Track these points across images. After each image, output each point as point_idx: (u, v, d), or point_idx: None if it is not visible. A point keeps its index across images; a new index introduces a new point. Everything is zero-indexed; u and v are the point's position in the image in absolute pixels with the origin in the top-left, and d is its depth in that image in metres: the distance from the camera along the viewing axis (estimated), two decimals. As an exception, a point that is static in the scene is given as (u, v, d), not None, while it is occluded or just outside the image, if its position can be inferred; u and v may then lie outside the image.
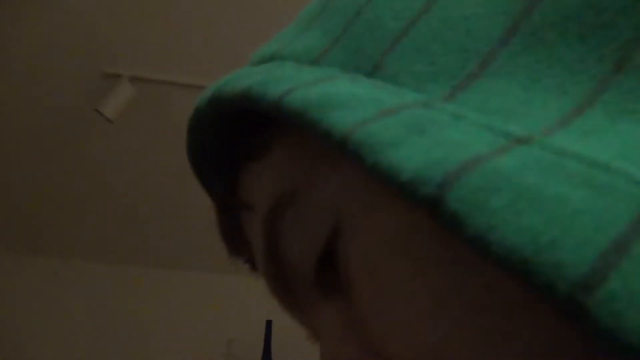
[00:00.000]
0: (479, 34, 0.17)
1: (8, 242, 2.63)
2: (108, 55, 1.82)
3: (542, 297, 0.12)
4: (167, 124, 2.03)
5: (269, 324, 2.27)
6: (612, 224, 0.12)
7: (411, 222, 0.17)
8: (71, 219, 2.50)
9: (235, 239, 0.26)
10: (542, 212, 0.13)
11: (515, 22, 0.17)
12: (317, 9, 0.22)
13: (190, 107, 1.93)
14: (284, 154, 0.21)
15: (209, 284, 2.72)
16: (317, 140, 0.20)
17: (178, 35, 1.76)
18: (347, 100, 0.17)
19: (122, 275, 2.70)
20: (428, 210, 0.14)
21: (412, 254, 0.17)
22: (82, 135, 2.10)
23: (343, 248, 0.19)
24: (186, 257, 2.66)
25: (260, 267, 0.23)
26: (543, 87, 0.16)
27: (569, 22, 0.16)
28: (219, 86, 0.21)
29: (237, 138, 0.23)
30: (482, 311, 0.16)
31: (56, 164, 2.24)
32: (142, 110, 1.96)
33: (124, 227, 2.53)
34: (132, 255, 2.67)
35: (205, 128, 0.23)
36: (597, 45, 0.16)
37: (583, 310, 0.11)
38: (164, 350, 2.45)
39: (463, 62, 0.17)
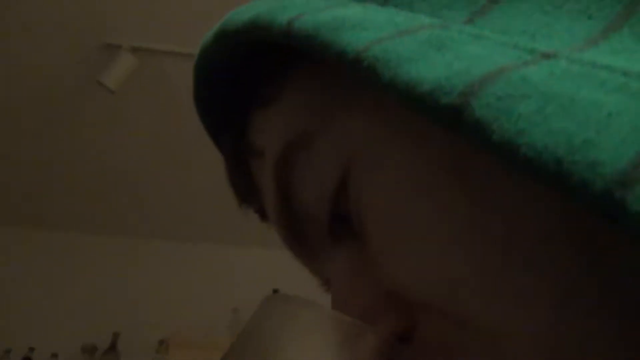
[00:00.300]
0: None
1: (6, 214, 2.66)
2: (108, 26, 1.80)
3: (573, 200, 0.12)
4: (168, 94, 2.02)
5: (275, 293, 2.30)
6: None
7: (431, 158, 0.17)
8: (73, 191, 2.51)
9: (245, 188, 0.25)
10: (575, 116, 0.12)
11: None
12: None
13: (190, 78, 1.92)
14: (296, 99, 0.21)
15: (215, 255, 2.75)
16: (330, 80, 0.20)
17: (178, 4, 1.74)
18: (361, 22, 0.16)
19: (128, 247, 2.73)
20: (450, 122, 0.14)
21: (431, 192, 0.17)
22: (82, 106, 2.09)
23: (355, 190, 0.19)
24: (191, 228, 2.68)
25: (271, 215, 0.23)
26: (566, 12, 0.16)
27: None
28: (224, 20, 0.20)
29: (246, 84, 0.23)
30: (499, 247, 0.16)
31: (56, 135, 2.24)
32: (142, 80, 1.95)
33: (129, 199, 2.54)
34: (138, 227, 2.70)
35: (213, 68, 0.22)
36: None
37: (620, 206, 0.11)
38: (170, 320, 2.49)
39: None
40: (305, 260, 0.24)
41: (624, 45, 0.14)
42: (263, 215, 0.26)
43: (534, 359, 0.16)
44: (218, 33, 0.20)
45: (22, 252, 2.64)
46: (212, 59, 0.22)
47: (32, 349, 2.30)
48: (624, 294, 0.15)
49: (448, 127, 0.14)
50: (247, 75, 0.23)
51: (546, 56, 0.14)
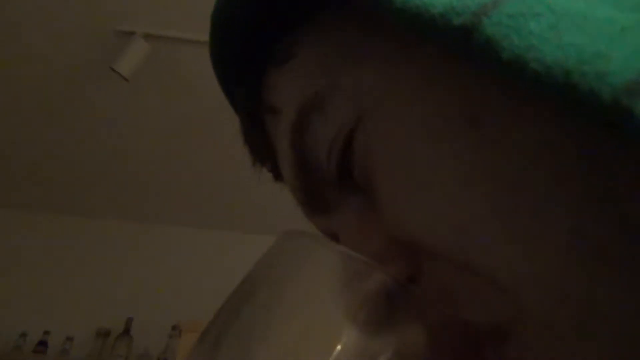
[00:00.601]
0: None
1: (21, 200, 2.68)
2: (120, 13, 1.80)
3: (579, 114, 0.12)
4: (181, 81, 2.02)
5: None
6: None
7: (441, 107, 0.17)
8: (88, 177, 2.53)
9: (259, 147, 0.26)
10: (587, 30, 0.12)
11: None
12: None
13: (204, 64, 1.91)
14: (309, 57, 0.21)
15: (228, 242, 2.77)
16: (341, 37, 0.21)
17: (191, -10, 1.73)
18: None
19: (143, 233, 2.75)
20: (460, 44, 0.14)
21: (441, 139, 0.17)
22: (95, 94, 2.10)
23: (364, 143, 0.19)
24: (205, 215, 2.70)
25: (284, 172, 0.24)
26: None
27: None
28: None
29: (261, 41, 0.23)
30: (509, 190, 0.16)
31: (69, 123, 2.25)
32: (155, 67, 1.95)
33: (144, 185, 2.56)
34: (152, 213, 2.71)
35: (229, 22, 0.23)
36: None
37: (627, 115, 0.11)
38: (183, 305, 2.51)
39: None
40: (315, 218, 0.24)
41: None
42: (277, 175, 0.26)
43: (540, 303, 0.16)
44: None
45: (37, 237, 2.67)
46: (228, 12, 0.22)
47: (47, 333, 2.33)
48: (634, 237, 0.15)
49: (458, 51, 0.14)
50: (261, 33, 0.23)
51: None
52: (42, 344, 2.28)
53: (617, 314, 0.15)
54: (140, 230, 2.75)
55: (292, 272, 0.19)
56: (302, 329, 0.17)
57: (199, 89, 2.02)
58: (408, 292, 0.17)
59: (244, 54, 0.24)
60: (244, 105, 0.25)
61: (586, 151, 0.15)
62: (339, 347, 0.16)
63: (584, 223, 0.15)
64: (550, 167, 0.16)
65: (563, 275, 0.15)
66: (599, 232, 0.15)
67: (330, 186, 0.22)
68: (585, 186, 0.15)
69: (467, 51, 0.14)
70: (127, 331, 2.36)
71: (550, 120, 0.16)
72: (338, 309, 0.17)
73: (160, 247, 2.72)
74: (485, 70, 0.15)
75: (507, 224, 0.16)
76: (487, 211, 0.16)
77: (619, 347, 0.15)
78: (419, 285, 0.18)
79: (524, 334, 0.16)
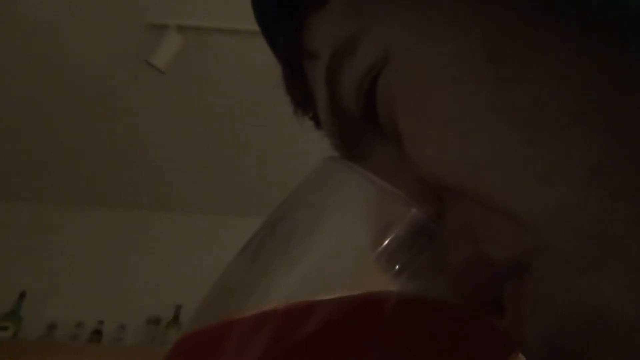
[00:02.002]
0: None
1: (70, 194, 2.76)
2: (152, 7, 1.82)
3: None
4: (216, 71, 2.03)
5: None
6: None
7: (462, 50, 0.18)
8: (132, 170, 2.58)
9: (300, 94, 0.26)
10: None
11: None
12: None
13: (238, 54, 1.92)
14: (343, 1, 0.22)
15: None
16: None
17: (221, -21, 1.73)
18: None
19: (188, 222, 2.79)
20: None
21: (461, 80, 0.18)
22: (131, 88, 2.13)
23: (388, 84, 0.20)
24: (245, 203, 2.72)
25: (321, 116, 0.24)
26: None
27: None
28: None
29: None
30: (526, 126, 0.16)
31: (108, 118, 2.30)
32: (190, 58, 1.96)
33: (185, 176, 2.60)
34: (195, 204, 2.76)
35: None
36: None
37: None
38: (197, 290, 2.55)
39: None
40: (351, 161, 0.25)
41: None
42: (317, 123, 0.27)
43: (558, 236, 0.16)
44: None
45: (90, 230, 2.75)
46: None
47: (101, 322, 2.41)
48: None
49: None
50: None
51: None
52: (97, 332, 2.36)
53: (634, 249, 0.15)
54: (186, 220, 2.80)
55: (329, 195, 0.19)
56: (332, 250, 0.18)
57: (234, 78, 2.03)
58: (437, 229, 0.18)
59: (283, 4, 0.24)
60: (284, 51, 0.26)
61: (614, 87, 0.15)
62: (363, 276, 0.17)
63: (606, 160, 0.15)
64: (572, 103, 0.16)
65: (581, 209, 0.16)
66: (620, 169, 0.15)
67: (363, 131, 0.22)
68: (609, 123, 0.15)
69: None
70: (176, 318, 2.41)
71: (579, 52, 0.16)
72: (369, 238, 0.18)
73: (206, 236, 2.76)
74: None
75: (525, 160, 0.16)
76: (505, 148, 0.17)
77: (635, 280, 0.15)
78: (443, 224, 0.19)
79: (542, 267, 0.17)
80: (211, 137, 2.36)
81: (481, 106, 0.17)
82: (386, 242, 0.17)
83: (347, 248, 0.18)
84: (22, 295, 2.42)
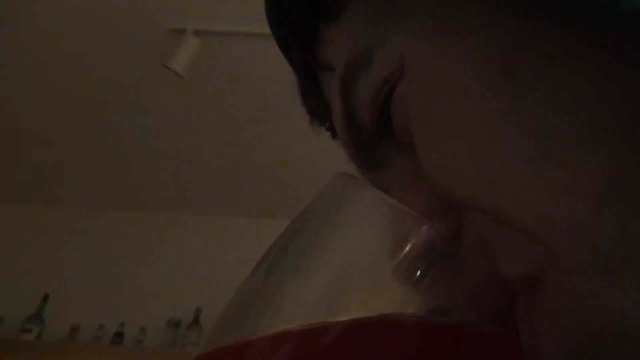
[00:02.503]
0: None
1: (88, 199, 2.80)
2: (170, 12, 1.84)
3: None
4: (233, 74, 2.04)
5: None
6: None
7: (476, 63, 0.18)
8: (152, 174, 2.60)
9: (316, 105, 0.26)
10: None
11: None
12: None
13: (255, 57, 1.93)
14: (358, 13, 0.22)
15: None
16: None
17: (238, -17, 1.74)
18: None
19: (207, 225, 2.81)
20: None
21: (474, 93, 0.18)
22: (149, 92, 2.15)
23: (403, 97, 0.20)
24: (261, 205, 2.73)
25: (336, 127, 0.25)
26: None
27: None
28: None
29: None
30: (539, 141, 0.16)
31: (126, 123, 2.32)
32: (208, 62, 1.98)
33: (203, 179, 2.61)
34: (212, 206, 2.77)
35: None
36: None
37: None
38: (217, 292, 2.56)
39: None
40: (367, 174, 0.25)
41: None
42: (334, 133, 0.27)
43: (570, 250, 0.16)
44: None
45: (111, 233, 2.79)
46: None
47: (122, 324, 2.43)
48: None
49: None
50: None
51: None
52: (119, 335, 2.38)
53: None
54: (205, 222, 2.82)
55: (343, 212, 0.19)
56: (347, 266, 0.18)
57: (251, 81, 2.04)
58: (450, 247, 0.18)
59: (299, 9, 0.24)
60: (300, 62, 0.26)
61: (629, 101, 0.15)
62: (377, 292, 0.17)
63: (621, 174, 0.15)
64: (586, 117, 0.16)
65: (596, 224, 0.16)
66: (635, 184, 0.15)
67: (378, 143, 0.23)
68: (624, 137, 0.15)
69: None
70: (196, 320, 2.43)
71: (594, 66, 0.16)
72: (383, 254, 0.18)
73: (225, 238, 2.78)
74: (526, 17, 0.16)
75: (539, 175, 0.16)
76: (517, 162, 0.17)
77: None
78: (459, 240, 0.19)
79: (556, 282, 0.17)
80: (230, 140, 2.37)
81: (495, 120, 0.17)
82: (400, 257, 0.17)
83: (362, 264, 0.18)
84: (45, 298, 2.46)
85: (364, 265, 0.18)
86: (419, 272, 0.17)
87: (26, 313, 2.50)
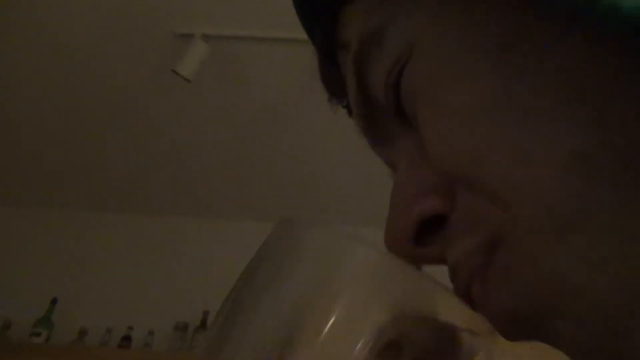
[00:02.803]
0: None
1: (102, 201, 2.81)
2: (178, 16, 1.85)
3: None
4: (241, 78, 2.05)
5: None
6: None
7: (477, 46, 0.19)
8: (161, 178, 2.62)
9: (334, 83, 0.28)
10: None
11: None
12: None
13: (263, 61, 1.94)
14: None
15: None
16: None
17: (245, -12, 1.75)
18: None
19: (215, 229, 2.82)
20: None
21: (473, 69, 0.19)
22: (157, 97, 2.17)
23: (411, 75, 0.21)
24: (272, 209, 2.74)
25: (350, 102, 0.26)
26: None
27: None
28: None
29: None
30: (523, 115, 0.17)
31: (134, 127, 2.34)
32: (215, 66, 1.99)
33: (212, 183, 2.62)
34: (222, 209, 2.78)
35: None
36: None
37: None
38: (224, 295, 2.56)
39: None
40: (377, 148, 0.27)
41: None
42: (350, 111, 0.28)
43: (529, 212, 0.17)
44: None
45: (119, 237, 2.80)
46: None
47: (130, 328, 2.44)
48: (633, 165, 0.16)
49: None
50: None
51: None
52: (126, 338, 2.39)
53: (600, 227, 0.16)
54: (213, 226, 2.83)
55: (285, 262, 0.20)
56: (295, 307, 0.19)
57: (259, 85, 2.05)
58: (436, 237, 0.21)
59: None
60: (321, 43, 0.27)
61: (607, 79, 0.16)
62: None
63: (587, 147, 0.16)
64: (565, 92, 0.17)
65: (557, 189, 0.17)
66: (600, 155, 0.16)
67: (389, 118, 0.24)
68: (597, 111, 0.16)
69: None
70: (203, 324, 2.43)
71: (581, 48, 0.17)
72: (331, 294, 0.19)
73: (232, 242, 2.78)
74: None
75: (515, 146, 0.18)
76: (497, 132, 0.18)
77: (597, 257, 0.16)
78: (451, 219, 0.21)
79: (513, 241, 0.18)
80: (238, 144, 2.38)
81: (484, 94, 0.18)
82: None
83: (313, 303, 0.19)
84: (54, 302, 2.47)
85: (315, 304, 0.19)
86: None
87: (35, 316, 2.52)
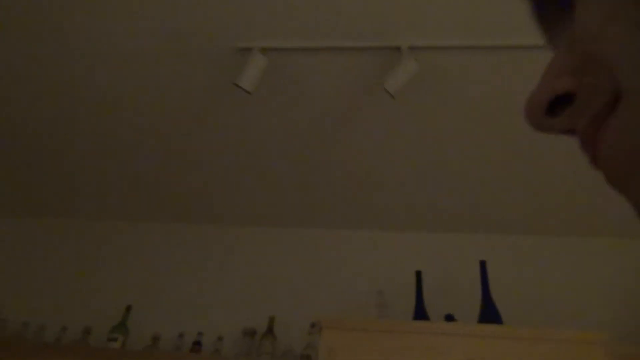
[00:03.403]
0: None
1: (177, 213, 2.88)
2: (238, 31, 1.89)
3: None
4: (299, 90, 2.07)
5: (418, 274, 2.30)
6: None
7: None
8: (224, 189, 2.66)
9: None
10: None
11: None
12: None
13: (320, 71, 1.95)
14: None
15: (359, 240, 2.79)
16: None
17: (302, 2, 1.77)
18: None
19: (280, 237, 2.85)
20: None
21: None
22: (219, 110, 2.22)
23: None
24: (334, 216, 2.74)
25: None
26: None
27: None
28: None
29: None
30: (634, 26, 0.23)
31: (203, 140, 2.40)
32: (275, 78, 2.02)
33: (278, 192, 2.65)
34: (286, 217, 2.81)
35: None
36: None
37: None
38: (320, 303, 2.57)
39: None
40: (543, 32, 0.32)
41: None
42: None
43: (637, 83, 0.23)
44: None
45: (189, 246, 2.89)
46: None
47: (201, 334, 2.51)
48: None
49: None
50: None
51: None
52: (197, 343, 2.46)
53: None
54: (277, 234, 2.86)
55: None
56: None
57: (316, 95, 2.06)
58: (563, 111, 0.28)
59: None
60: None
61: None
62: None
63: None
64: None
65: None
66: None
67: (558, 18, 0.30)
68: None
69: None
70: (270, 329, 2.46)
71: None
72: None
73: (297, 249, 2.81)
74: None
75: (629, 41, 0.24)
76: (625, 25, 0.24)
77: None
78: (576, 100, 0.27)
79: (625, 104, 0.24)
80: (295, 153, 2.41)
81: (609, 11, 0.25)
82: None
83: None
84: (129, 309, 2.57)
85: None
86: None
87: (112, 323, 2.63)
